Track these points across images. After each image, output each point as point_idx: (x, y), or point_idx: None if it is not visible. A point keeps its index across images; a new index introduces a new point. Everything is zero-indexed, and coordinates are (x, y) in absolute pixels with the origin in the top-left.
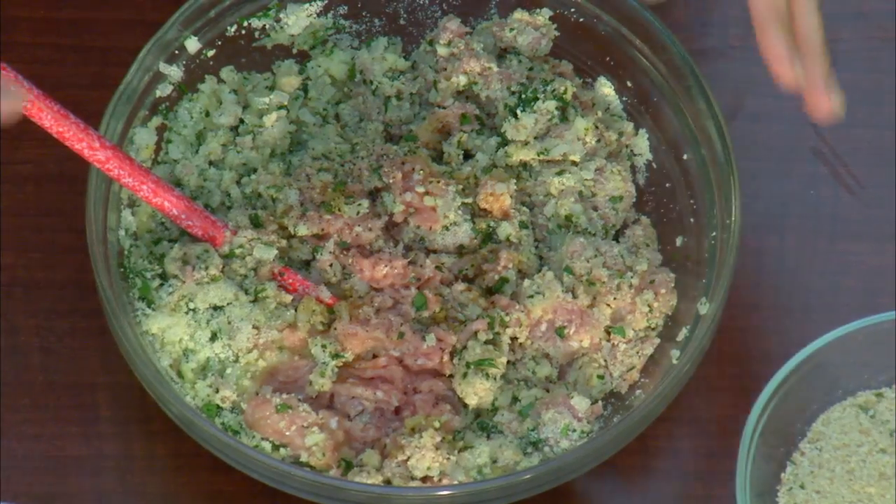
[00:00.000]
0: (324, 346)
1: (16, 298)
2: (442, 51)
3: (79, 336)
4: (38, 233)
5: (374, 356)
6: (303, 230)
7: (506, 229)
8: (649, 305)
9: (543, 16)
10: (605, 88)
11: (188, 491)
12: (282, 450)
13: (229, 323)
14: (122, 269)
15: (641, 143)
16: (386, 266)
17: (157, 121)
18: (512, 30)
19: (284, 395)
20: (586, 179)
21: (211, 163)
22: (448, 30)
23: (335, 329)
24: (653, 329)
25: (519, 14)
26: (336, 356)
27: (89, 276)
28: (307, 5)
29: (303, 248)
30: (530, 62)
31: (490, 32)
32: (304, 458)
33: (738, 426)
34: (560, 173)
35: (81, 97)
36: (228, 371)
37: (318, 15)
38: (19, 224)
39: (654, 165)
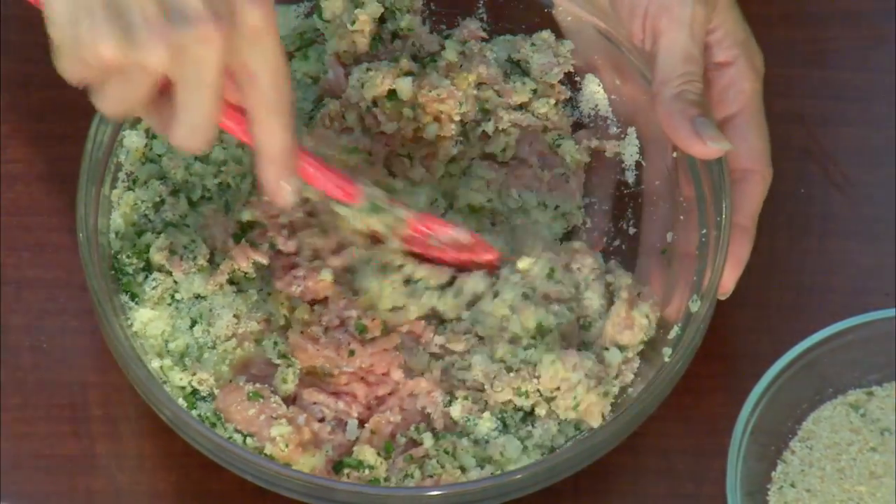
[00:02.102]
0: (275, 343)
1: (6, 297)
2: (451, 54)
3: (69, 335)
4: (28, 232)
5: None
6: (246, 215)
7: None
8: (647, 317)
9: (566, 47)
10: (593, 86)
11: (178, 490)
12: (248, 440)
13: (210, 310)
14: (112, 272)
15: (630, 141)
16: (305, 281)
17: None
18: (533, 45)
19: (258, 385)
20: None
21: (196, 158)
22: (467, 28)
23: (287, 337)
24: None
25: (546, 35)
26: (284, 357)
27: (80, 275)
28: (294, 7)
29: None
30: (535, 83)
31: (510, 44)
32: (268, 449)
33: (729, 424)
34: None
35: (72, 97)
36: (206, 356)
37: (306, 16)
38: (9, 223)
39: (644, 163)
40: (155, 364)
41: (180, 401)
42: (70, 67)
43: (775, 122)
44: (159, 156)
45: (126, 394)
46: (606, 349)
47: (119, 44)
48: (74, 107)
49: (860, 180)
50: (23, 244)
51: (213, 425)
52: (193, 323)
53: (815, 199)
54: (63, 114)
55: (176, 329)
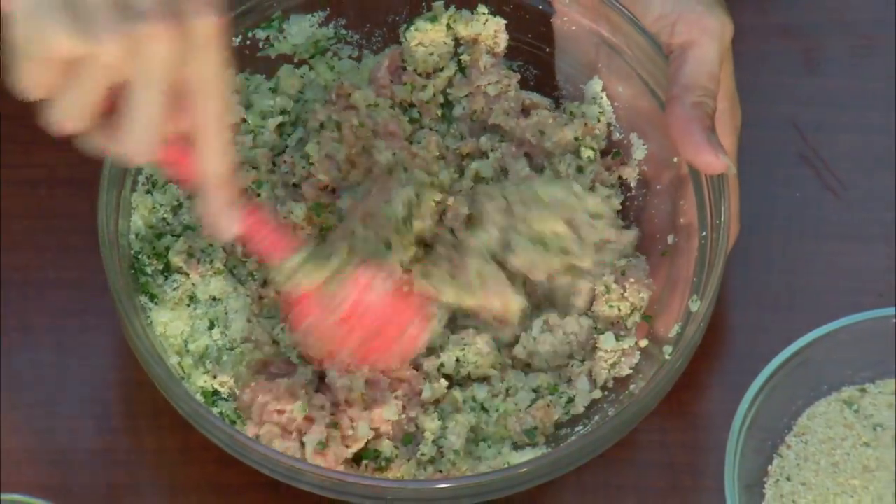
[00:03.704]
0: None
1: (30, 298)
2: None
3: (91, 333)
4: (50, 234)
5: None
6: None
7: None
8: (623, 286)
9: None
10: (597, 87)
11: (196, 483)
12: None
13: (226, 313)
14: (132, 272)
15: (633, 145)
16: None
17: None
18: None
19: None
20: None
21: None
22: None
23: None
24: (633, 313)
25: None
26: (303, 358)
27: (100, 275)
28: (309, 16)
29: None
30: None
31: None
32: None
33: (727, 420)
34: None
35: None
36: (225, 358)
37: (321, 25)
38: (32, 225)
39: (645, 167)
40: (174, 361)
41: (199, 397)
42: (28, 72)
43: (771, 128)
44: None
45: (145, 390)
46: (585, 315)
47: (75, 36)
48: None
49: (853, 184)
50: (46, 246)
51: (233, 423)
52: (212, 325)
53: (810, 202)
54: None
55: (195, 330)
